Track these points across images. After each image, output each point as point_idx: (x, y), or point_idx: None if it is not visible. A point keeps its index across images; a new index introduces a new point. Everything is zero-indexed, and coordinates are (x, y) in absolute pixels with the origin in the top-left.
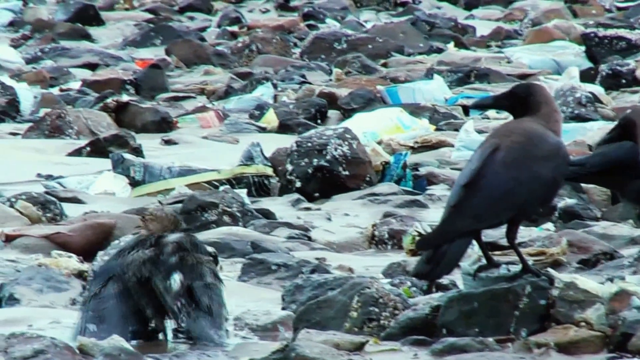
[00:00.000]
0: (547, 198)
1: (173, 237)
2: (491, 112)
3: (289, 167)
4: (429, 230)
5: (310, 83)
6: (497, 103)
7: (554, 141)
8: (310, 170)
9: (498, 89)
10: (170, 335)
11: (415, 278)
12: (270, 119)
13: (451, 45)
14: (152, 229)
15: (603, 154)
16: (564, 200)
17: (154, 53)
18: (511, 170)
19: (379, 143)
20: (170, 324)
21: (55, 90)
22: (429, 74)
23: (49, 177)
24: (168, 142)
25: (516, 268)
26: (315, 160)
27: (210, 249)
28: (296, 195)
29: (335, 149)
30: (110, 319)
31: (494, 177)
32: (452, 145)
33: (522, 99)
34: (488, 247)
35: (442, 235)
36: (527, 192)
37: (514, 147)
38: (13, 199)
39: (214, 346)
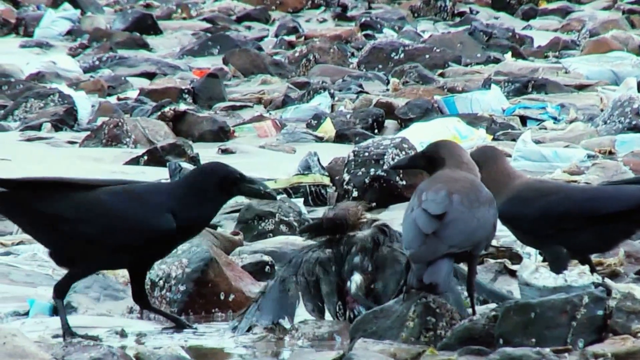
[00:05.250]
0: (490, 240)
1: (362, 234)
2: (548, 123)
3: (346, 176)
4: None
5: (367, 93)
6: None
7: (487, 191)
8: (367, 180)
9: (555, 99)
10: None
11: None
12: (327, 128)
13: (509, 55)
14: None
15: None
16: None
17: (212, 62)
18: (472, 211)
19: None
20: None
21: (112, 99)
22: (487, 84)
23: None
24: (225, 152)
25: (573, 276)
26: (372, 170)
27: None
28: None
29: (393, 159)
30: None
31: (460, 214)
32: (510, 156)
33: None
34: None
35: (430, 254)
36: (483, 231)
37: (465, 192)
38: None
39: None
